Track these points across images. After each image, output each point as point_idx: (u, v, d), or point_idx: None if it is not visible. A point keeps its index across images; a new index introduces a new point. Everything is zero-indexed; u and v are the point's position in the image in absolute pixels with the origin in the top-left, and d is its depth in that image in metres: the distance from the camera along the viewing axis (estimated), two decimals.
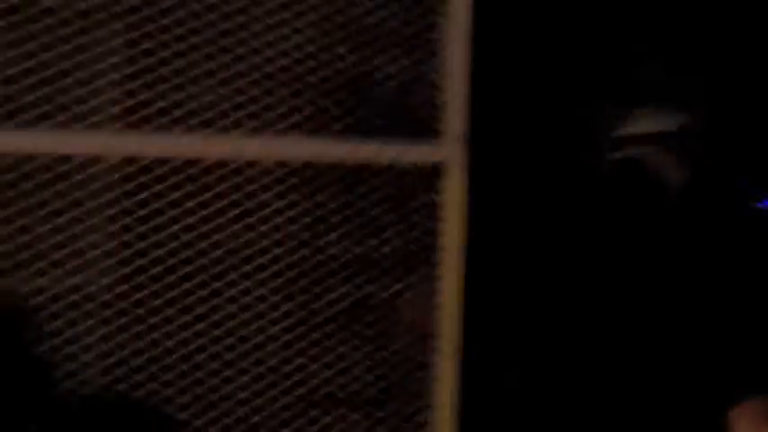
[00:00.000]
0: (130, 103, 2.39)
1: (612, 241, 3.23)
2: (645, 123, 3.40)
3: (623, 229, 3.26)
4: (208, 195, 2.43)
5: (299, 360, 2.55)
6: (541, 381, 3.09)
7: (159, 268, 2.39)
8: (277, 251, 2.51)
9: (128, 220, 2.37)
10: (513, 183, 3.11)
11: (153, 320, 2.39)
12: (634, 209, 3.33)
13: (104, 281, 2.35)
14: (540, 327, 3.13)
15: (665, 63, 3.43)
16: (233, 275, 2.46)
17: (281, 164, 2.50)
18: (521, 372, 3.06)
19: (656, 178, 3.36)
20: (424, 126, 2.69)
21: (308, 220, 2.54)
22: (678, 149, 3.42)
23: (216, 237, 2.44)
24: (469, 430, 2.81)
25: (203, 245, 2.43)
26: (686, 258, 3.20)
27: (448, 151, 2.71)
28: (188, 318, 2.42)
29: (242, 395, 2.47)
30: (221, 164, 2.44)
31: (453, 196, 2.72)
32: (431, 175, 2.71)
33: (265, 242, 2.49)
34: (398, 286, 2.68)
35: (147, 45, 2.36)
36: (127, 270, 2.36)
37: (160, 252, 2.39)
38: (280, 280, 2.52)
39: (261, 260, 2.49)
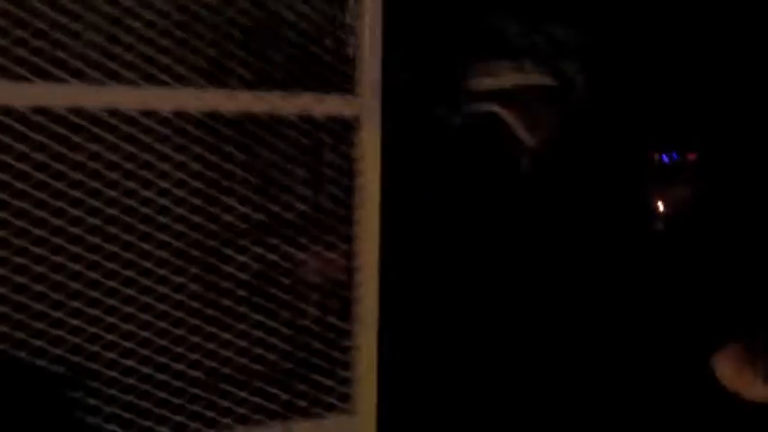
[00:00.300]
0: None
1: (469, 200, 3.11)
2: (501, 78, 3.26)
3: (476, 186, 3.15)
4: (96, 147, 2.16)
5: (207, 330, 2.31)
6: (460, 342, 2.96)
7: (44, 230, 2.11)
8: (179, 210, 2.26)
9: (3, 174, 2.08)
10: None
11: (37, 288, 2.11)
12: (485, 165, 3.21)
13: None
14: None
15: (528, 17, 3.31)
16: (129, 237, 2.20)
17: (180, 113, 2.26)
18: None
19: (509, 134, 3.24)
20: (337, 75, 2.50)
21: (212, 175, 2.31)
22: (538, 104, 3.29)
23: (109, 193, 2.18)
24: (394, 401, 2.64)
25: (94, 202, 2.16)
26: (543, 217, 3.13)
27: (363, 102, 2.52)
28: (79, 286, 2.15)
29: (144, 370, 2.22)
30: (112, 113, 2.18)
31: (369, 150, 2.54)
32: (345, 128, 2.52)
33: (165, 200, 2.25)
34: (313, 248, 2.48)
35: None
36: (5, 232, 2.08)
37: (43, 212, 2.11)
38: (182, 242, 2.27)
39: (160, 220, 2.24)
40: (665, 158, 4.14)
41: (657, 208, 3.98)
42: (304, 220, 2.46)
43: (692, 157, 4.16)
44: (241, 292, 2.36)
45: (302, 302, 2.47)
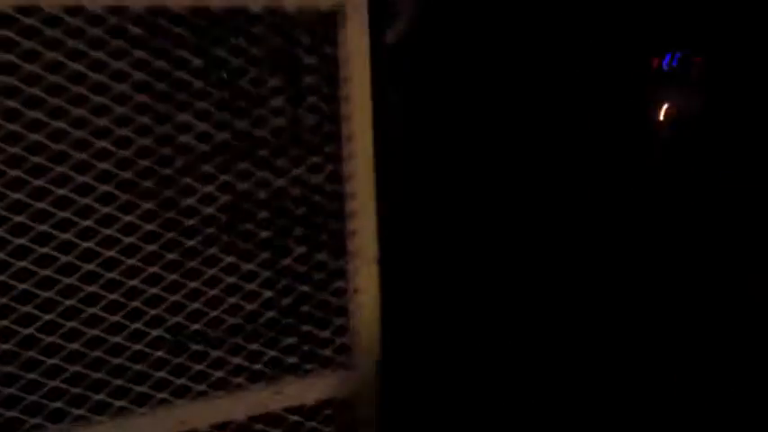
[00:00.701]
0: None
1: None
2: None
3: None
4: (9, 56, 1.70)
5: (168, 279, 1.87)
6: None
7: None
8: (121, 131, 1.81)
9: None
10: None
11: None
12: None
13: None
14: None
15: None
16: (61, 168, 1.75)
17: (115, 9, 1.79)
18: None
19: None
20: None
21: (161, 86, 1.85)
22: None
23: (29, 114, 1.72)
24: (400, 352, 2.23)
25: (11, 127, 1.71)
26: None
27: None
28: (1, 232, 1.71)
29: (92, 332, 1.79)
30: (26, 11, 1.71)
31: (357, 50, 2.07)
32: (326, 22, 2.06)
33: (103, 119, 1.79)
34: (295, 171, 2.03)
35: None
36: None
37: None
38: (131, 170, 1.82)
39: (99, 144, 1.78)
40: (665, 64, 3.79)
41: (659, 115, 3.66)
42: (280, 139, 2.01)
43: (697, 60, 3.79)
44: (208, 230, 1.92)
45: (285, 239, 2.04)
